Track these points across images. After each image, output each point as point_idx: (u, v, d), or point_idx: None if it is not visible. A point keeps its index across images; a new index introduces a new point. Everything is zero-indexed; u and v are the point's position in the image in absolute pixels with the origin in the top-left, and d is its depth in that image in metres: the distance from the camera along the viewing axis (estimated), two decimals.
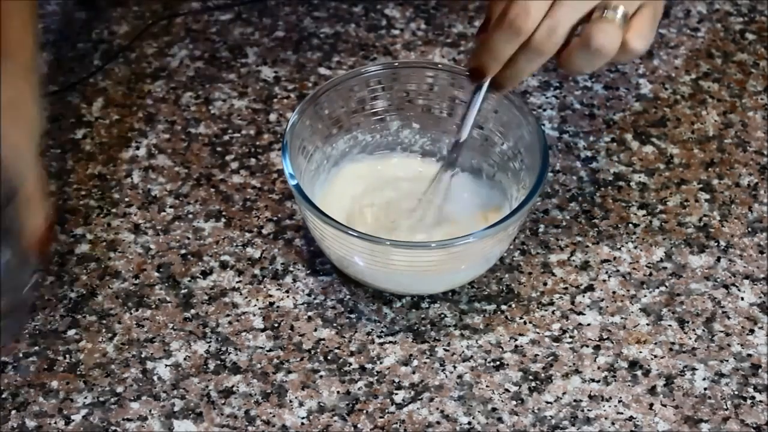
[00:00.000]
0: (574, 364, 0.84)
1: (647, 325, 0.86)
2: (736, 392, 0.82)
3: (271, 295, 0.87)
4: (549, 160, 0.84)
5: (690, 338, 0.85)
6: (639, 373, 0.83)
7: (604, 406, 0.82)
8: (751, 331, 0.85)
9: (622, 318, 0.86)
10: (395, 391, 0.82)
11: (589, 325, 0.86)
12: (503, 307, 0.87)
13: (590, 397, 0.82)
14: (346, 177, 0.91)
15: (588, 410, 0.81)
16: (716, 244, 0.90)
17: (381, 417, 0.81)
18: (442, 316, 0.86)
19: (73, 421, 0.81)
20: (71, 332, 0.85)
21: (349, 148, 0.91)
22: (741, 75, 1.01)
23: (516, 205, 0.83)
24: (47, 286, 0.87)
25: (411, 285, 0.86)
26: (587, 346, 0.85)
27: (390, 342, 0.85)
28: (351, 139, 0.91)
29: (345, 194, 0.89)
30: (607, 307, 0.87)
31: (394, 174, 0.91)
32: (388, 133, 0.92)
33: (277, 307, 0.87)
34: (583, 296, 0.87)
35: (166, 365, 0.84)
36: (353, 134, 0.91)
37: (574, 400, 0.82)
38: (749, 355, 0.84)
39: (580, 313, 0.86)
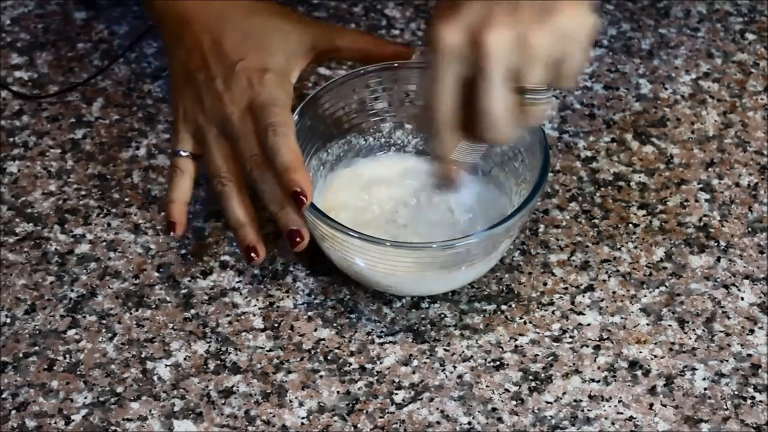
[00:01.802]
0: (574, 364, 0.84)
1: (647, 325, 0.86)
2: (736, 392, 0.82)
3: (271, 295, 0.87)
4: (550, 160, 0.84)
5: (690, 338, 0.85)
6: (639, 373, 0.83)
7: (604, 406, 0.82)
8: (751, 331, 0.85)
9: (622, 318, 0.86)
10: (395, 391, 0.82)
11: (589, 325, 0.86)
12: (503, 307, 0.87)
13: (590, 397, 0.82)
14: (345, 178, 0.90)
15: (588, 410, 0.81)
16: (716, 244, 0.90)
17: (381, 417, 0.81)
18: (442, 316, 0.86)
19: (73, 421, 0.81)
20: (71, 332, 0.85)
21: (344, 151, 0.91)
22: (741, 75, 1.01)
23: (516, 205, 0.83)
24: (47, 286, 0.87)
25: (412, 286, 0.86)
26: (587, 346, 0.85)
27: (390, 342, 0.85)
28: (346, 143, 0.90)
29: (344, 195, 0.89)
30: (607, 307, 0.87)
31: (391, 173, 0.91)
32: (380, 135, 0.91)
33: (277, 307, 0.87)
34: (583, 296, 0.87)
35: (166, 365, 0.84)
36: (350, 136, 0.90)
37: (574, 400, 0.82)
38: (749, 355, 0.84)
39: (580, 313, 0.86)
